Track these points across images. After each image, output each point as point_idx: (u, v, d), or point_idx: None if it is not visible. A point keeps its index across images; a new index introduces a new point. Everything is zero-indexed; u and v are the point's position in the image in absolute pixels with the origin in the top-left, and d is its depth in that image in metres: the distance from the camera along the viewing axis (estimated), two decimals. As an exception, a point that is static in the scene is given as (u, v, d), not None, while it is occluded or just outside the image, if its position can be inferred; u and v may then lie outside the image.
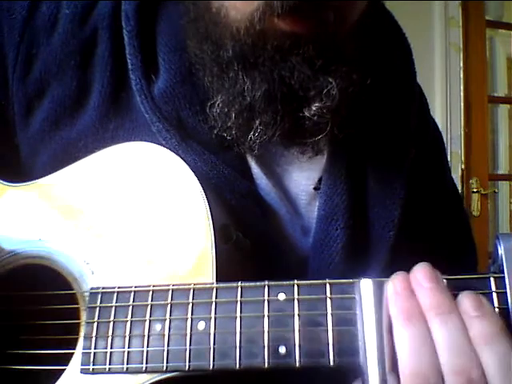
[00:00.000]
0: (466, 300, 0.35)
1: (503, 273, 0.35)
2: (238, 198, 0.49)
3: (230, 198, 0.48)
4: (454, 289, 0.36)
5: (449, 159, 2.24)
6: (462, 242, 0.66)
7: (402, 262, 0.42)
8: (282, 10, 0.40)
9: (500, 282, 0.36)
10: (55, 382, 0.43)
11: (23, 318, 0.46)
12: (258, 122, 0.45)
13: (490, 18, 2.49)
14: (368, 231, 0.53)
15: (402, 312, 0.35)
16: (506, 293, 0.35)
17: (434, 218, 0.61)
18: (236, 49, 0.43)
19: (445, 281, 0.36)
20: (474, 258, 0.66)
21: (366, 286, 0.37)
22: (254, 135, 0.45)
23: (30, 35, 0.53)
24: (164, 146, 0.47)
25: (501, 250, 0.36)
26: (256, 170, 0.53)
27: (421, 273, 0.36)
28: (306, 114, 0.44)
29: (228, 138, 0.48)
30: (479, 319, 0.34)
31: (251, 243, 0.46)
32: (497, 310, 0.35)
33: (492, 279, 0.36)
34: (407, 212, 0.54)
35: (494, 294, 0.36)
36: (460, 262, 0.62)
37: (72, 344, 0.44)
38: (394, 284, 0.36)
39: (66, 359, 0.44)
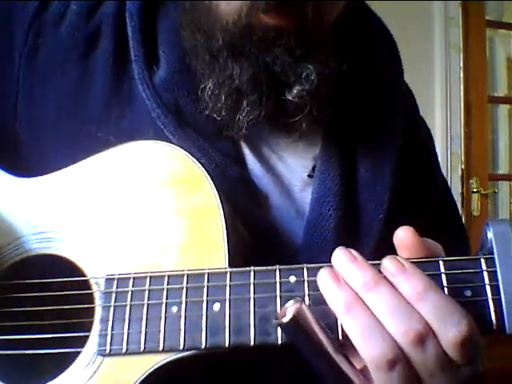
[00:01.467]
0: (389, 265, 0.37)
1: (493, 254, 0.39)
2: (228, 183, 0.52)
3: (220, 183, 0.50)
4: (450, 268, 0.39)
5: (449, 159, 2.26)
6: (454, 229, 0.69)
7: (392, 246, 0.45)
8: (265, 7, 0.45)
9: (490, 262, 0.39)
10: (68, 365, 0.44)
11: (35, 305, 0.47)
12: (245, 102, 0.49)
13: (490, 17, 2.49)
14: (359, 214, 0.56)
15: (339, 306, 0.37)
16: (495, 271, 0.38)
17: (424, 208, 0.63)
18: (225, 39, 0.48)
19: (356, 253, 0.38)
20: (466, 244, 0.69)
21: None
22: (241, 115, 0.50)
23: (39, 25, 0.56)
24: (162, 131, 0.51)
25: (490, 234, 0.39)
26: (250, 156, 0.56)
27: (337, 258, 0.38)
28: (288, 96, 0.49)
29: (218, 118, 0.51)
30: (407, 280, 0.36)
31: (244, 227, 0.49)
32: (488, 286, 0.38)
33: (482, 260, 0.39)
34: (397, 198, 0.57)
35: (485, 273, 0.39)
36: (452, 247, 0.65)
37: (81, 329, 0.45)
38: (322, 278, 0.38)
39: (75, 343, 0.45)
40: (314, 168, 0.57)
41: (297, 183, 0.57)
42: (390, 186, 0.56)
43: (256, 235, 0.50)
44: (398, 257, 0.38)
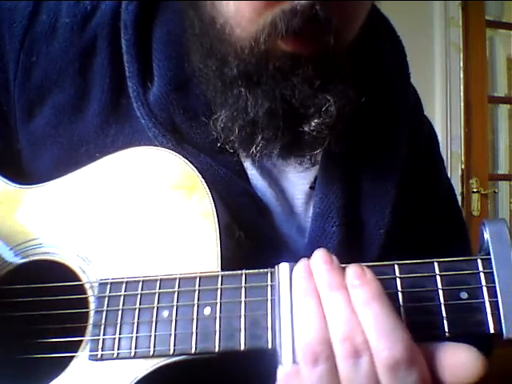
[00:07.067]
0: (349, 271, 0.37)
1: (489, 255, 0.37)
2: (233, 197, 0.50)
3: (226, 197, 0.49)
4: (445, 270, 0.38)
5: (449, 159, 2.25)
6: (458, 241, 0.67)
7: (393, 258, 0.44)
8: (286, 31, 0.41)
9: (487, 264, 0.38)
10: (62, 370, 0.44)
11: (32, 310, 0.47)
12: (260, 137, 0.46)
13: (490, 18, 2.50)
14: (361, 229, 0.55)
15: (298, 291, 0.37)
16: (492, 272, 0.37)
17: (427, 218, 0.62)
18: (240, 67, 0.45)
19: (335, 259, 0.38)
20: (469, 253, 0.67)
21: (283, 270, 0.39)
22: (255, 149, 0.47)
23: (30, 43, 0.54)
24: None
25: (486, 235, 0.38)
26: (252, 170, 0.54)
27: (316, 257, 0.38)
28: (306, 129, 0.46)
29: (230, 150, 0.50)
30: (359, 286, 0.35)
31: (250, 240, 0.48)
32: (485, 288, 0.37)
33: (479, 261, 0.38)
34: (399, 211, 0.56)
35: (482, 274, 0.38)
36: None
37: (76, 334, 0.45)
38: (296, 269, 0.38)
39: (70, 349, 0.45)
40: (315, 179, 0.55)
41: (299, 196, 0.56)
42: (392, 199, 0.55)
43: (261, 249, 0.49)
44: (362, 264, 0.37)
